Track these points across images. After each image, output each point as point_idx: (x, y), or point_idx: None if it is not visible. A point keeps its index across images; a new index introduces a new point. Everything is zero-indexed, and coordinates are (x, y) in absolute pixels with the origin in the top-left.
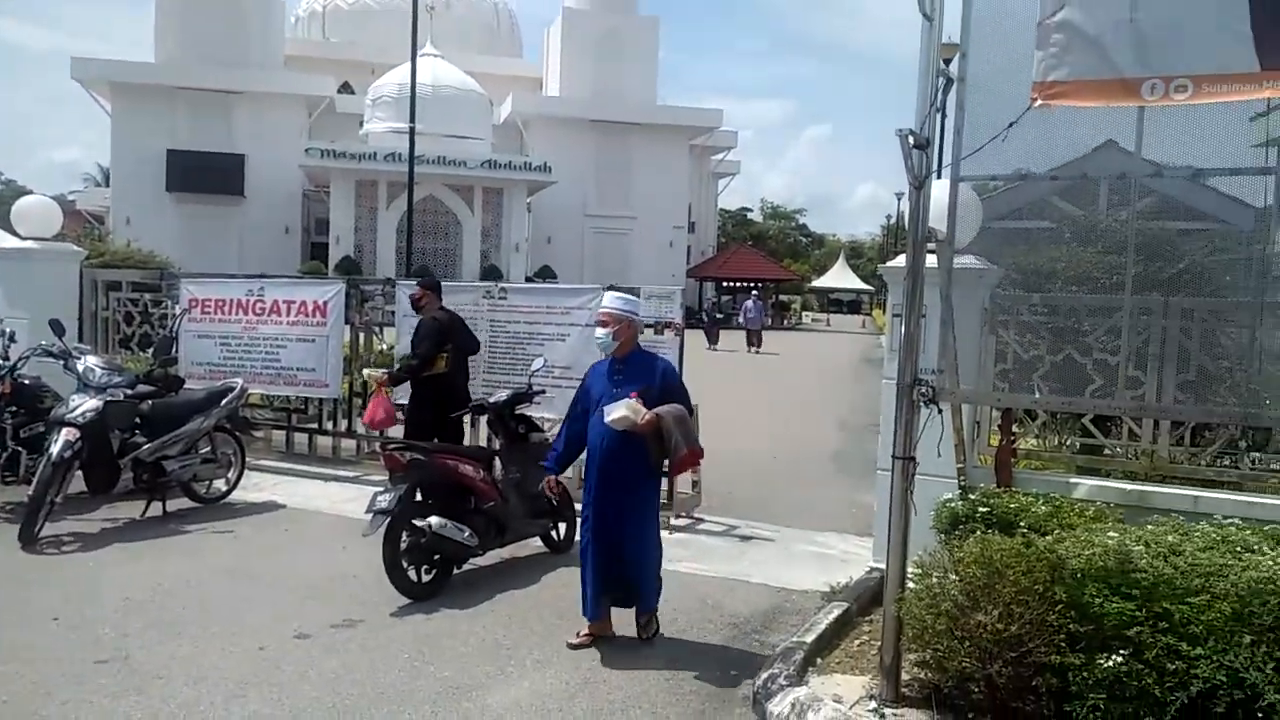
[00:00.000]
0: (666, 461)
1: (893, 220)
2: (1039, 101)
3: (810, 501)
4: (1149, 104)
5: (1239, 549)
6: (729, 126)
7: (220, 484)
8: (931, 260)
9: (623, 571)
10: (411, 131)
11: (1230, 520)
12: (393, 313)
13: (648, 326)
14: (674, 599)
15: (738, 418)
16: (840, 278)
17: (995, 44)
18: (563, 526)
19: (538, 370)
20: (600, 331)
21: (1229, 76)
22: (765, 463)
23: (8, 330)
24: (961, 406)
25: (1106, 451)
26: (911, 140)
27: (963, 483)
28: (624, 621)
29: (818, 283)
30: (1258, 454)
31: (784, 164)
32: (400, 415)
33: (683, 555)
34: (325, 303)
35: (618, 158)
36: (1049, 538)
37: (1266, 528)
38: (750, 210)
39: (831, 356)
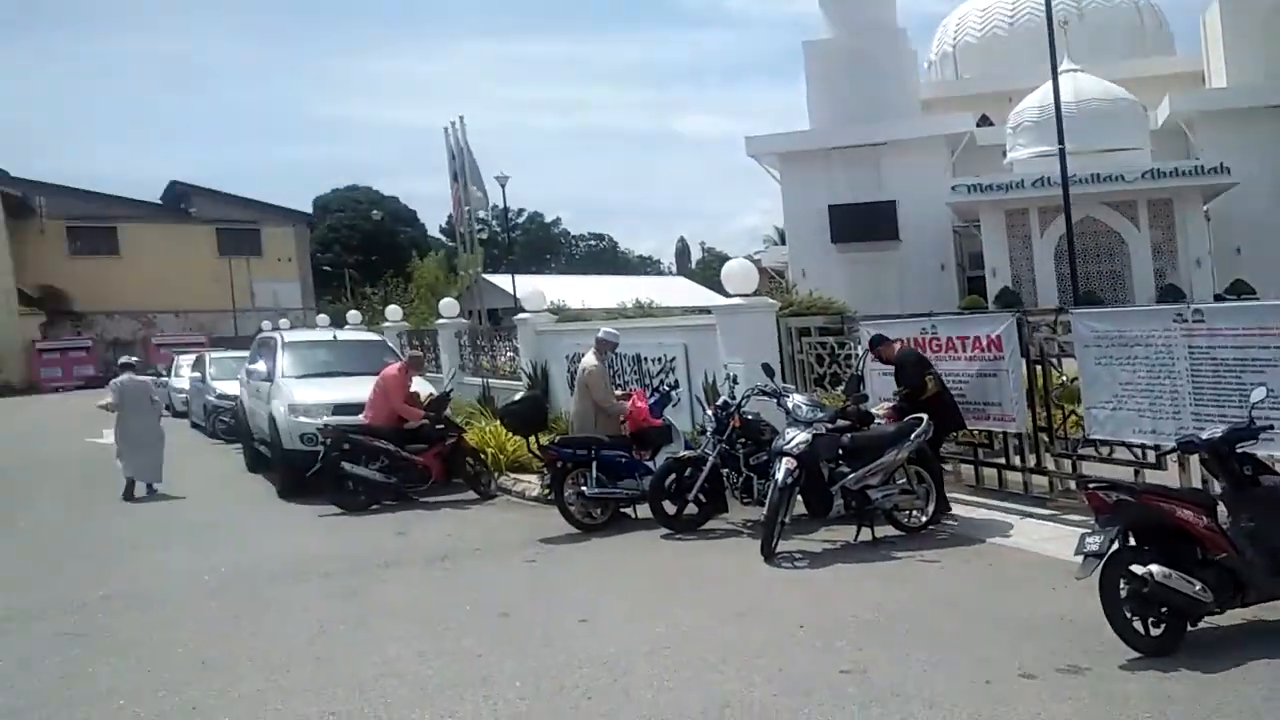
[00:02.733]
0: None
1: None
2: None
3: None
4: None
5: None
6: None
7: (919, 514)
8: None
9: None
10: (1062, 154)
11: None
12: (1067, 344)
13: None
14: None
15: None
16: None
17: None
18: None
19: (1259, 402)
20: None
21: None
22: None
23: (732, 374)
24: None
25: None
26: None
27: None
28: None
29: None
30: None
31: None
32: None
33: None
34: (997, 336)
35: None
36: None
37: None
38: None
39: None
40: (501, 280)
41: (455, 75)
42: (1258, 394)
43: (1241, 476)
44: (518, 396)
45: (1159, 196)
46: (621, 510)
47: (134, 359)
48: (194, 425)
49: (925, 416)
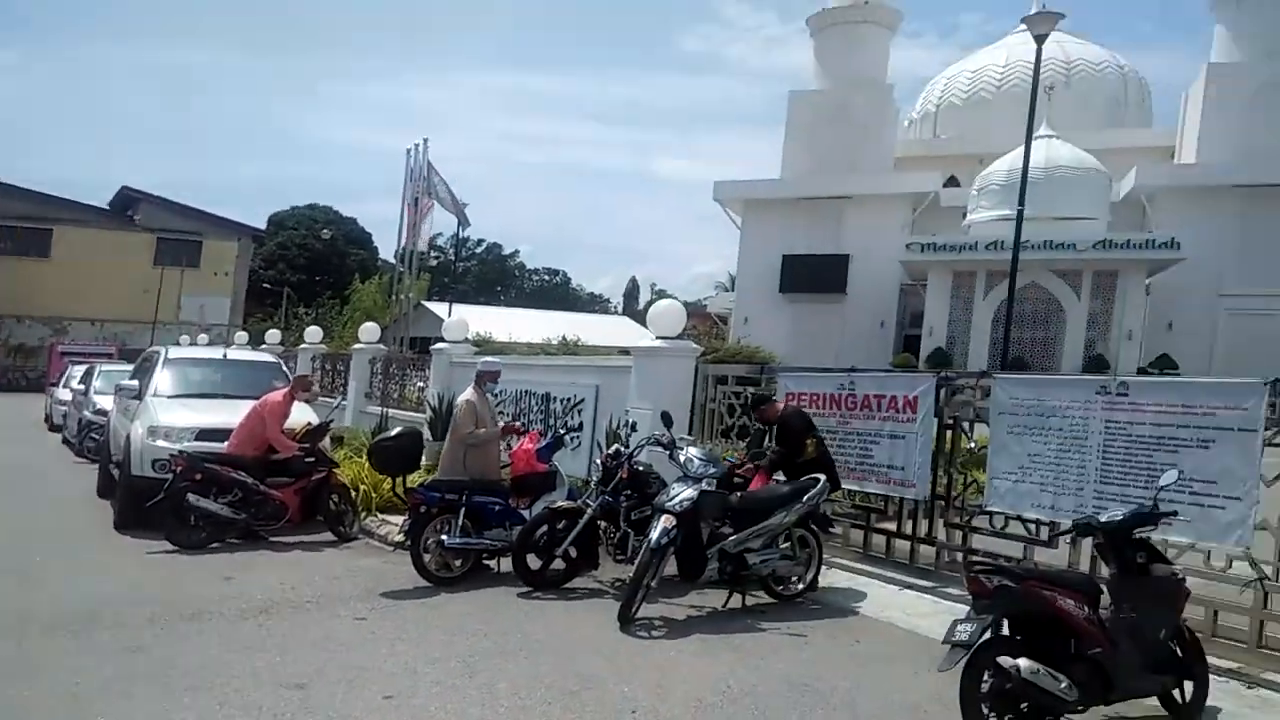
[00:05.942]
0: None
1: None
2: None
3: None
4: None
5: None
6: None
7: (796, 581)
8: None
9: None
10: (1019, 216)
11: None
12: (984, 409)
13: None
14: None
15: None
16: None
17: None
18: (1189, 686)
19: (1169, 485)
20: None
21: None
22: None
23: (631, 420)
24: None
25: None
26: None
27: None
28: None
29: None
30: None
31: None
32: None
33: None
34: (914, 398)
35: (1269, 226)
36: None
37: None
38: None
39: None
40: (445, 309)
41: (446, 104)
42: (1169, 477)
43: (1132, 563)
44: (394, 431)
45: (1106, 267)
46: (484, 563)
47: None
48: (65, 441)
49: (822, 477)
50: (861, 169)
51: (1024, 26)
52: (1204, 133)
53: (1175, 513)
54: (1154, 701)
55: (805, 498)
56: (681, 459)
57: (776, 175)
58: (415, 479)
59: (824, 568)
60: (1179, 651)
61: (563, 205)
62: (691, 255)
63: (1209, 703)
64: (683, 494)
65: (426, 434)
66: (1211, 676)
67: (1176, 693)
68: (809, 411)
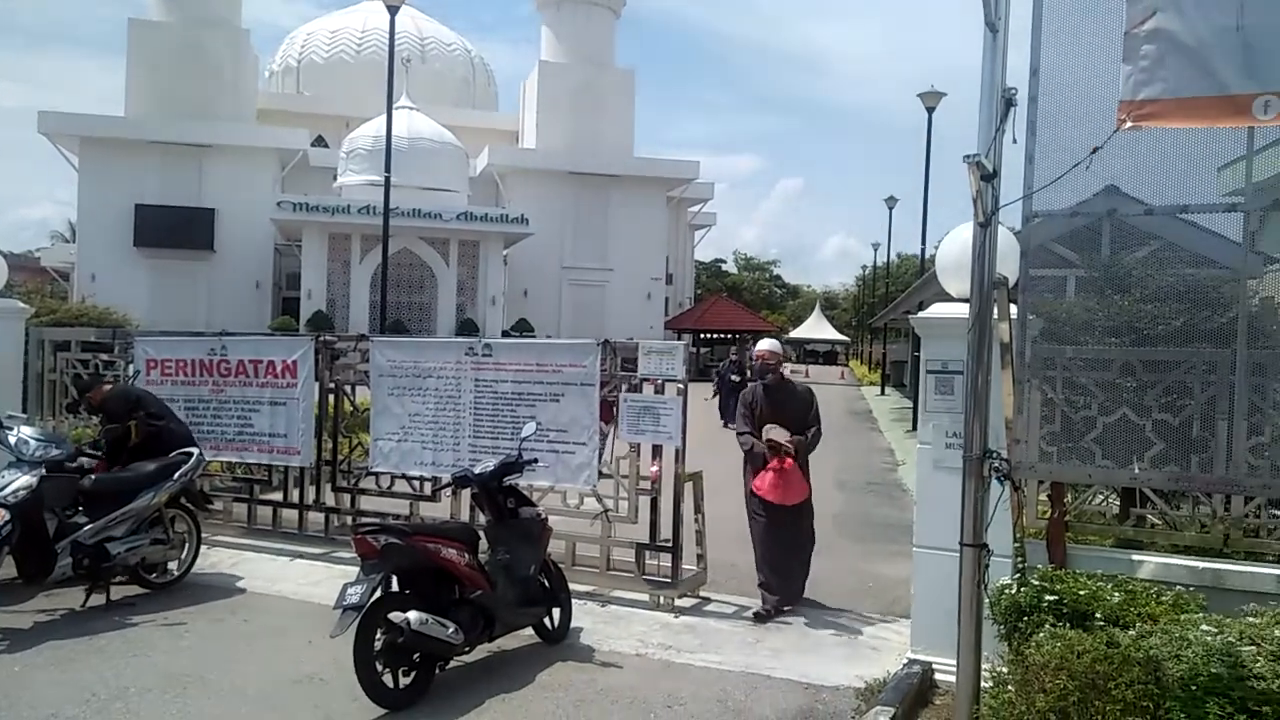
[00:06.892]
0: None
1: (868, 271)
2: (1128, 123)
3: (821, 574)
4: (1262, 124)
5: None
6: (704, 179)
7: (173, 566)
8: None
9: None
10: (387, 183)
11: None
12: (366, 372)
13: (645, 382)
14: (689, 700)
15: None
16: (816, 328)
17: (1072, 58)
18: (557, 613)
19: (529, 436)
20: None
21: None
22: None
23: None
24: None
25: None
26: (979, 171)
27: (1020, 564)
28: None
29: (795, 334)
30: None
31: (756, 217)
32: None
33: (692, 644)
34: (294, 362)
35: (595, 209)
36: (1131, 633)
37: None
38: (724, 262)
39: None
40: None
41: None
42: (529, 429)
43: (504, 509)
44: None
45: (469, 238)
46: None
47: None
48: None
49: (196, 451)
50: (220, 116)
51: None
52: (540, 122)
53: (536, 460)
54: (530, 631)
55: (177, 475)
56: (13, 441)
57: (122, 112)
58: None
59: (205, 547)
60: (547, 583)
61: None
62: (13, 197)
63: (573, 624)
64: (17, 482)
65: None
66: (574, 601)
67: (548, 620)
68: (177, 380)
